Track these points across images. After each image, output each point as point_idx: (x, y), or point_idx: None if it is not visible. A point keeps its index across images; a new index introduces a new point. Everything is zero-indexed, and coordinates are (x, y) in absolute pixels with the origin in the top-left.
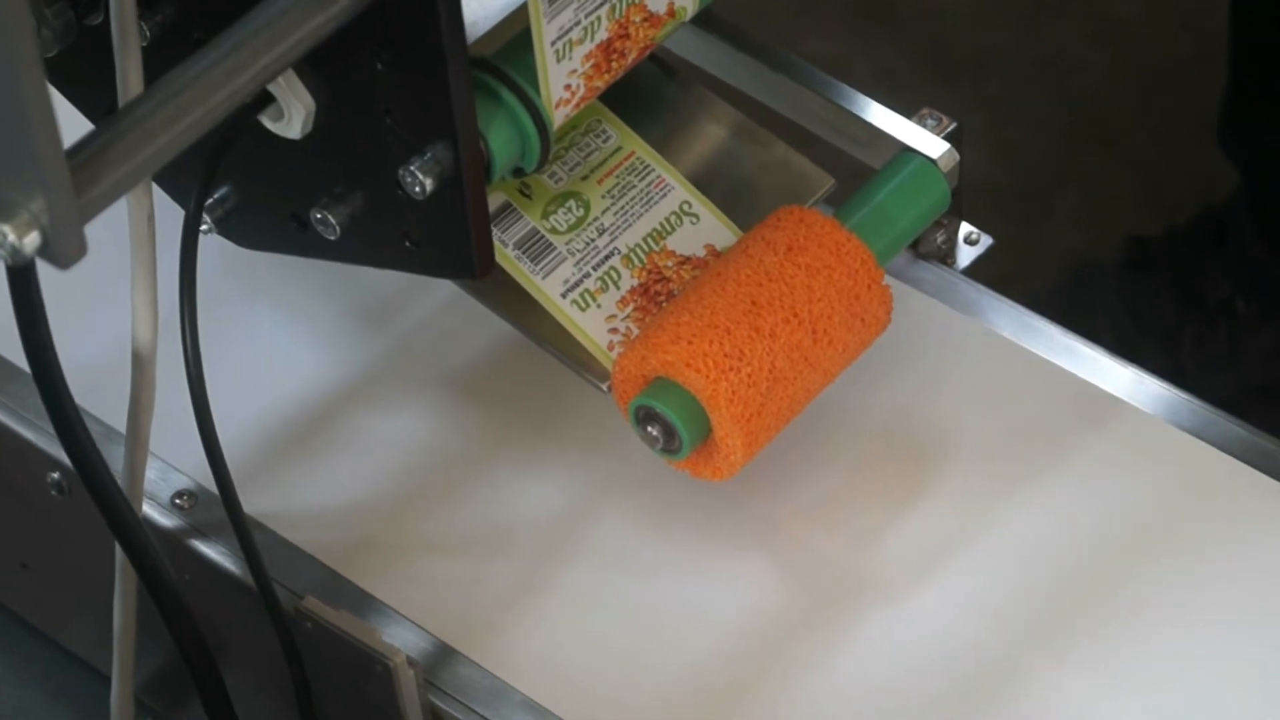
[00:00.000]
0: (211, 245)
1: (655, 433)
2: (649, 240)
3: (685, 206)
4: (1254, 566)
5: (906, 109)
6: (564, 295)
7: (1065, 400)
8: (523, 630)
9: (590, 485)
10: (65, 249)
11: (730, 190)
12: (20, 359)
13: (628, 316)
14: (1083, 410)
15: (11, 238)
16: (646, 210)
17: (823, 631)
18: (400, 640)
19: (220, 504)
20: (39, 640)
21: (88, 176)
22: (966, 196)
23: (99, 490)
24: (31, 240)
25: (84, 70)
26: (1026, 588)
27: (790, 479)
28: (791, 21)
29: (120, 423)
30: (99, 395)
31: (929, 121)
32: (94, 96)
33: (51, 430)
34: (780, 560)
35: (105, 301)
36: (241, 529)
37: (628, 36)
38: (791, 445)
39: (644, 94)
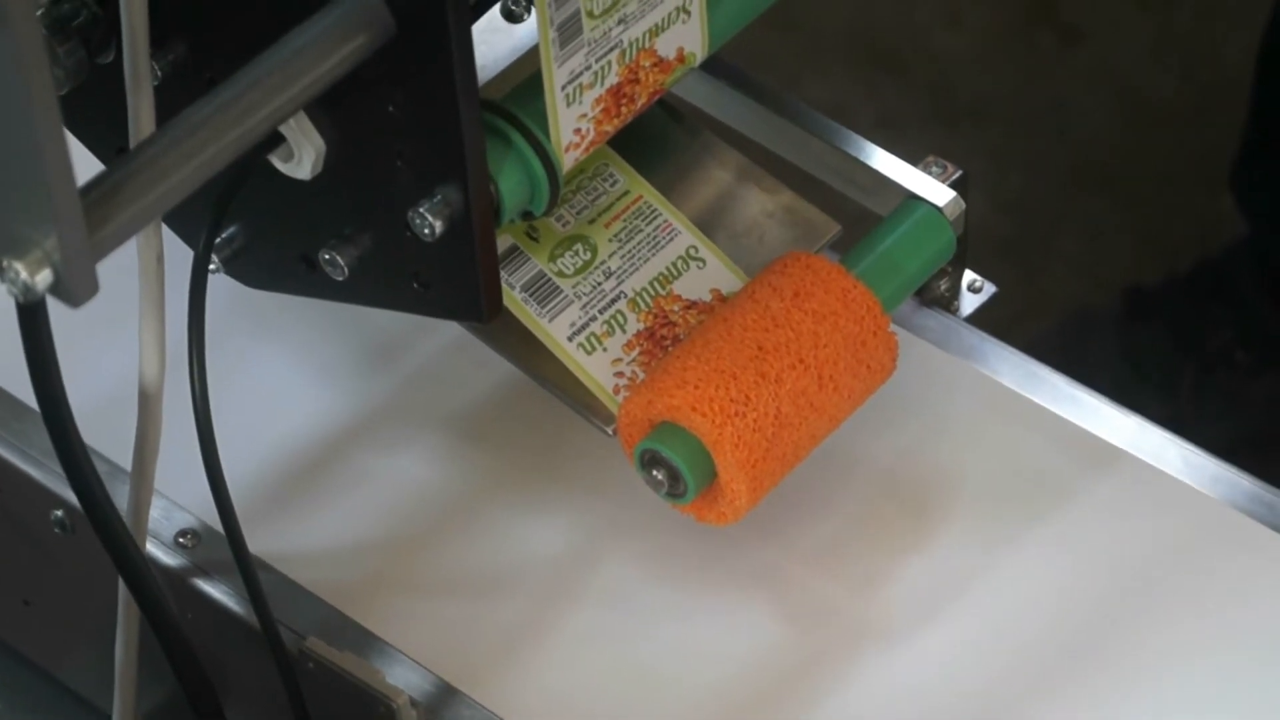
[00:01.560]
0: (218, 284)
1: (660, 477)
2: (655, 284)
3: (692, 251)
4: (1255, 617)
5: (908, 154)
6: (570, 338)
7: (1067, 448)
8: (526, 671)
9: (594, 528)
10: (77, 287)
11: (736, 235)
12: (25, 395)
13: (633, 360)
14: (1084, 458)
15: (24, 275)
16: (653, 254)
17: (825, 676)
18: (403, 681)
19: (223, 543)
20: (39, 677)
21: (100, 215)
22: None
23: (106, 531)
24: (43, 278)
25: (94, 109)
26: (1027, 634)
27: (793, 523)
28: (794, 66)
29: (124, 459)
30: (103, 431)
31: (934, 169)
32: (104, 135)
33: (56, 468)
34: (783, 604)
35: (111, 338)
36: (246, 568)
37: (638, 81)
38: (795, 490)
39: (651, 138)
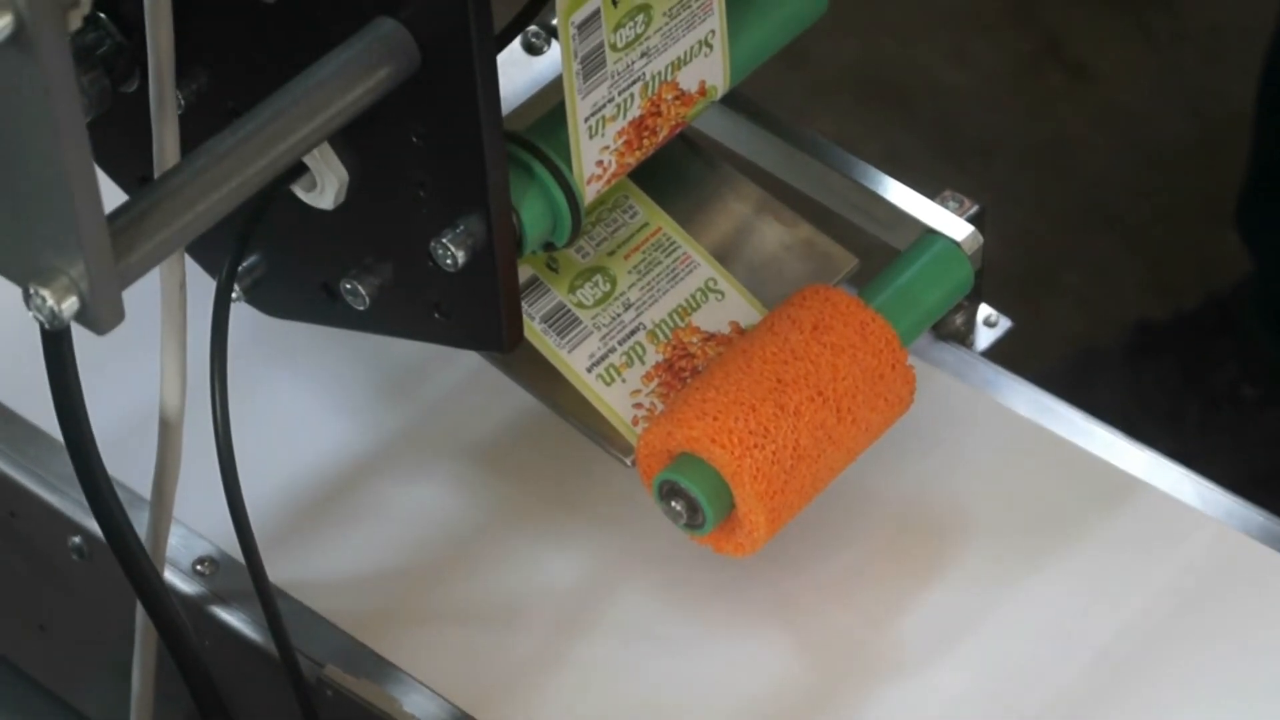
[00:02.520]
0: (239, 313)
1: (679, 508)
2: (674, 316)
3: (710, 283)
4: (1273, 648)
5: (915, 189)
6: (589, 369)
7: (1083, 481)
8: (542, 700)
9: (612, 559)
10: (103, 314)
11: (755, 268)
12: (42, 420)
13: (652, 392)
14: (1100, 491)
15: (50, 302)
16: (672, 286)
17: (840, 708)
18: (420, 709)
19: (241, 571)
20: (52, 702)
21: (126, 243)
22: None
23: (127, 559)
24: (70, 305)
25: (116, 137)
26: (1043, 667)
27: (810, 555)
28: (801, 101)
29: (142, 486)
30: (122, 458)
31: (951, 203)
32: (125, 163)
33: (75, 494)
34: (799, 635)
35: (130, 365)
36: (265, 596)
37: (659, 114)
38: (811, 521)
39: (670, 170)
